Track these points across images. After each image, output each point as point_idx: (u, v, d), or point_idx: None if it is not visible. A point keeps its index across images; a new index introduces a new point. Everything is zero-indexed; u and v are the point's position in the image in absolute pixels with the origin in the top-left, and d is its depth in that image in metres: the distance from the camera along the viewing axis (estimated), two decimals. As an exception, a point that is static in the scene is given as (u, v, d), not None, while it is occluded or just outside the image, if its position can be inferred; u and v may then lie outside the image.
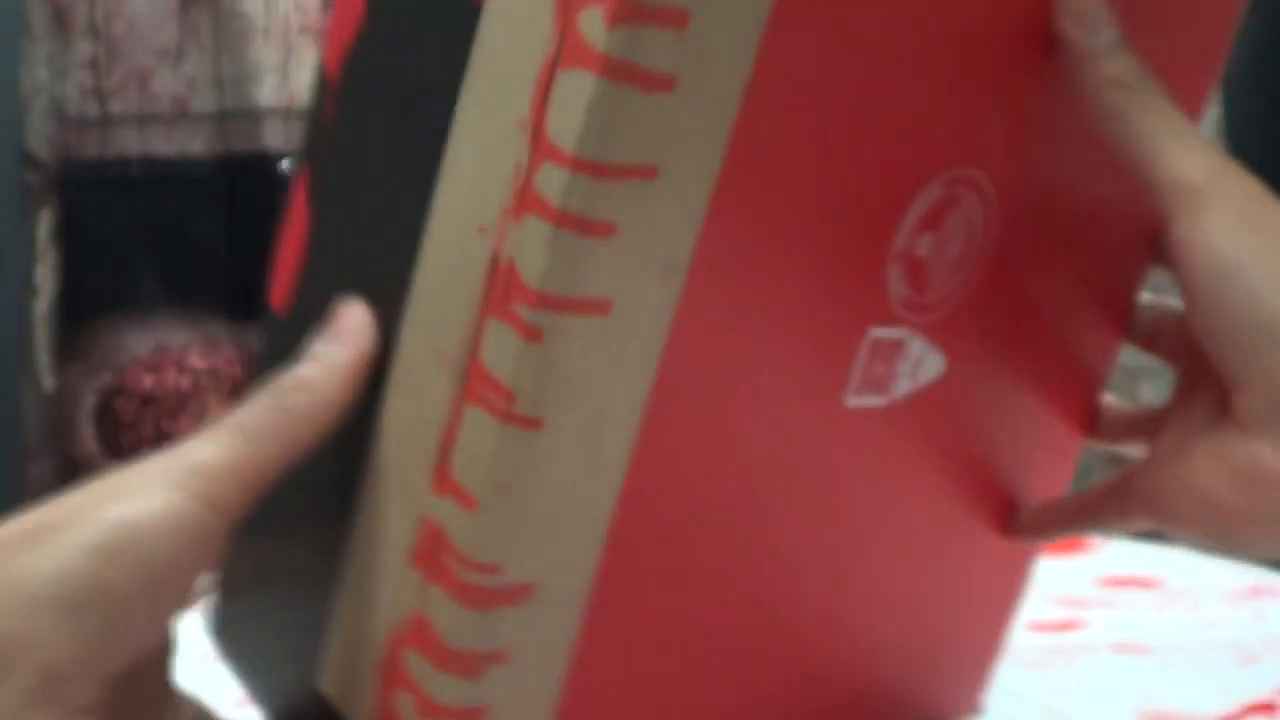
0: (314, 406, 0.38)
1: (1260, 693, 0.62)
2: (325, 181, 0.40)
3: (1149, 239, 0.48)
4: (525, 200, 0.33)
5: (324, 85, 0.40)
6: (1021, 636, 0.74)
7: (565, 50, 0.32)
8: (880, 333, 0.41)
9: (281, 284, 0.42)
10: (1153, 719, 0.59)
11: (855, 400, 0.41)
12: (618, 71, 0.32)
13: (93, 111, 1.89)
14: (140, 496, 0.36)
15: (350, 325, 0.39)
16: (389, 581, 0.38)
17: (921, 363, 0.43)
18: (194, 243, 1.86)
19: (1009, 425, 0.48)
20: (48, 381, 1.90)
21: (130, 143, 1.88)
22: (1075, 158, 0.44)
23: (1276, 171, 1.91)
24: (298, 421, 0.38)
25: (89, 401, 1.89)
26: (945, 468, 0.46)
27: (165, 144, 1.87)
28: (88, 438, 1.89)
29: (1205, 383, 0.45)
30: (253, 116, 1.81)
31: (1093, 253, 0.47)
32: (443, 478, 0.36)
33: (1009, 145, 0.41)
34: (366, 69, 0.39)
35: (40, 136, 1.90)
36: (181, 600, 0.37)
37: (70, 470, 1.90)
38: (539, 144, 0.33)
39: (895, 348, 0.41)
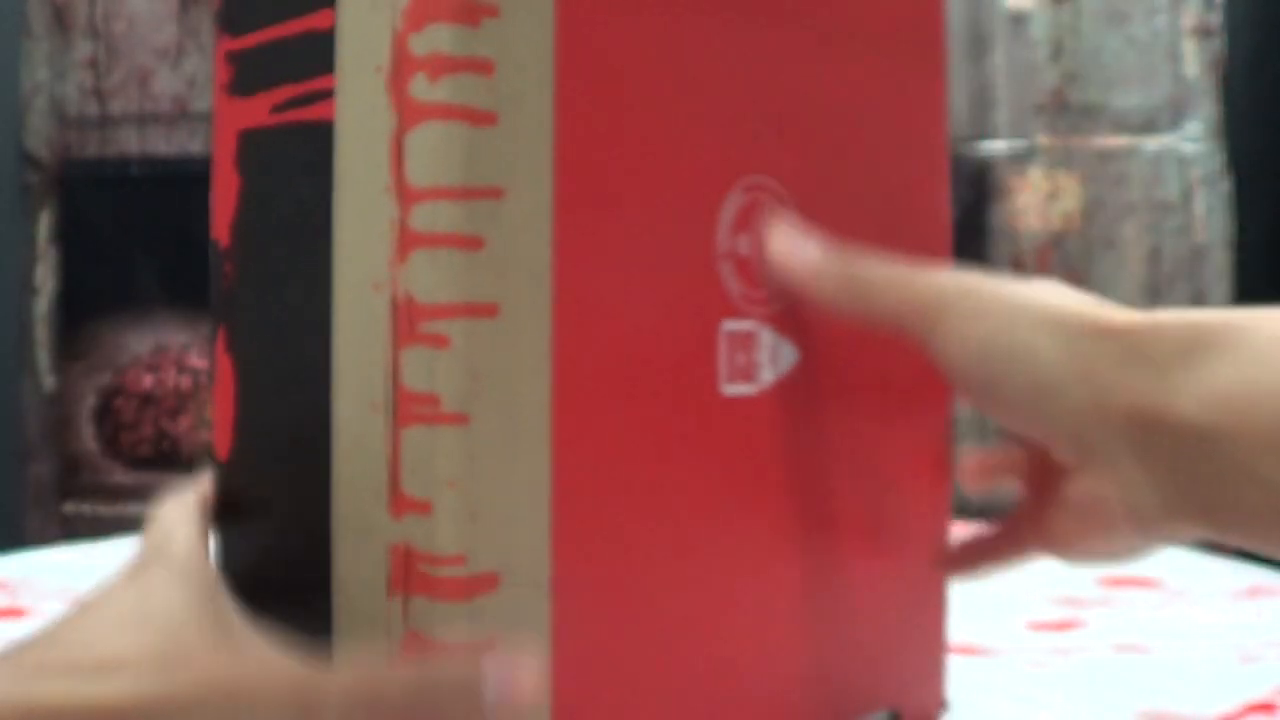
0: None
1: (1260, 692, 0.62)
2: (239, 331, 0.46)
3: (942, 226, 0.57)
4: (405, 242, 0.40)
5: (219, 255, 0.47)
6: (1021, 636, 0.74)
7: (406, 116, 0.40)
8: (732, 325, 0.48)
9: (222, 434, 0.47)
10: (1153, 719, 0.59)
11: (730, 389, 0.48)
12: (450, 113, 0.39)
13: (93, 111, 1.89)
14: None
15: (524, 686, 0.38)
16: (376, 622, 0.41)
17: (777, 352, 0.49)
18: (194, 242, 1.86)
19: (871, 407, 0.54)
20: (48, 381, 1.90)
21: (130, 142, 1.88)
22: (855, 165, 0.53)
23: (1273, 170, 1.90)
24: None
25: (89, 401, 1.90)
26: (824, 453, 0.52)
27: (165, 144, 1.88)
28: (88, 437, 1.90)
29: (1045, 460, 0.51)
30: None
31: (895, 243, 0.55)
32: (397, 501, 0.41)
33: (792, 155, 0.50)
34: (252, 224, 0.45)
35: (40, 136, 1.90)
36: None
37: (70, 470, 1.90)
38: (404, 193, 0.40)
39: (748, 339, 0.48)
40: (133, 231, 1.87)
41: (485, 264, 0.40)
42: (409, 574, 0.40)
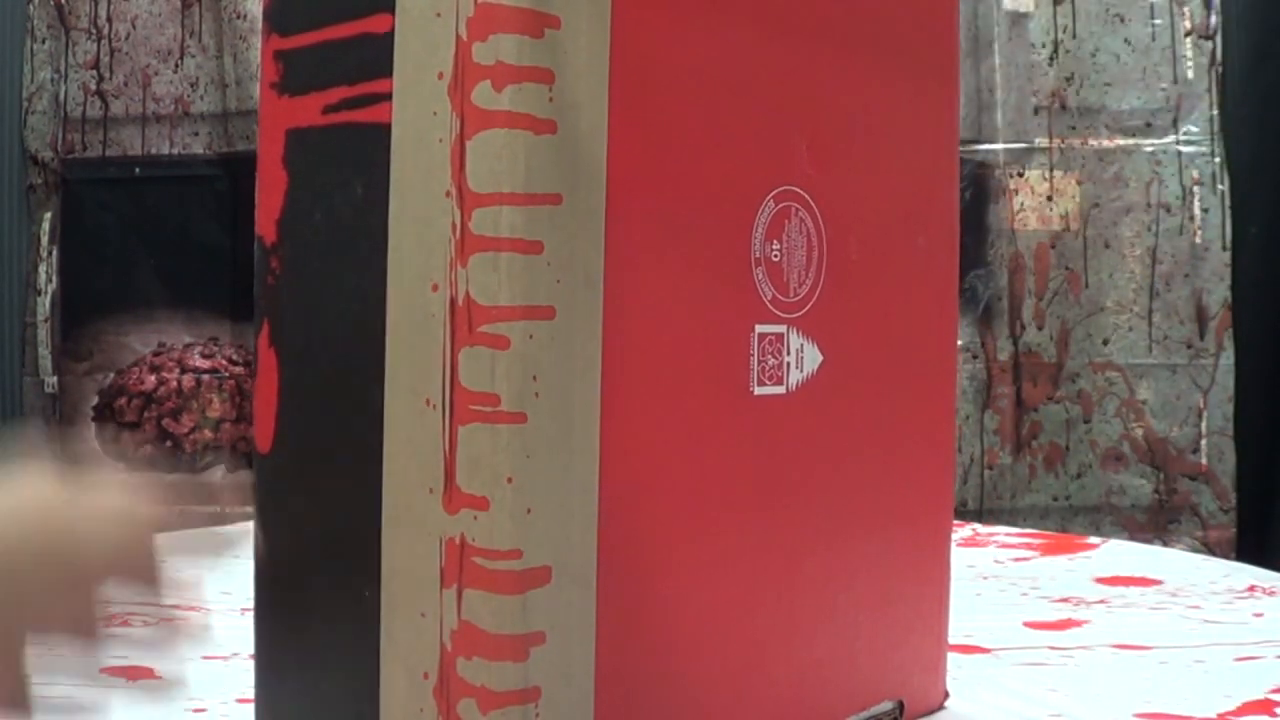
0: None
1: (1258, 692, 0.62)
2: (284, 324, 0.46)
3: (951, 228, 0.59)
4: (466, 245, 0.41)
5: (264, 250, 0.47)
6: (1021, 636, 0.74)
7: (468, 122, 0.41)
8: (763, 329, 0.49)
9: (264, 426, 0.47)
10: (1152, 718, 0.59)
11: (760, 390, 0.49)
12: (513, 121, 0.40)
13: (95, 112, 1.89)
14: None
15: None
16: (428, 612, 0.42)
17: (803, 355, 0.51)
18: (195, 243, 1.86)
19: (886, 410, 0.56)
20: (49, 381, 1.90)
21: (132, 143, 1.88)
22: (874, 172, 0.54)
23: (1270, 171, 1.90)
24: None
25: (90, 401, 1.90)
26: (842, 453, 0.53)
27: (167, 144, 1.88)
28: (88, 437, 1.89)
29: None
30: (255, 117, 1.82)
31: (908, 248, 0.57)
32: (452, 496, 0.41)
33: (818, 164, 0.51)
34: (300, 221, 0.46)
35: (42, 137, 1.90)
36: None
37: (72, 469, 1.89)
38: (466, 198, 0.41)
39: (778, 341, 0.50)
40: (135, 232, 1.88)
41: (544, 268, 0.41)
42: (463, 568, 0.41)
